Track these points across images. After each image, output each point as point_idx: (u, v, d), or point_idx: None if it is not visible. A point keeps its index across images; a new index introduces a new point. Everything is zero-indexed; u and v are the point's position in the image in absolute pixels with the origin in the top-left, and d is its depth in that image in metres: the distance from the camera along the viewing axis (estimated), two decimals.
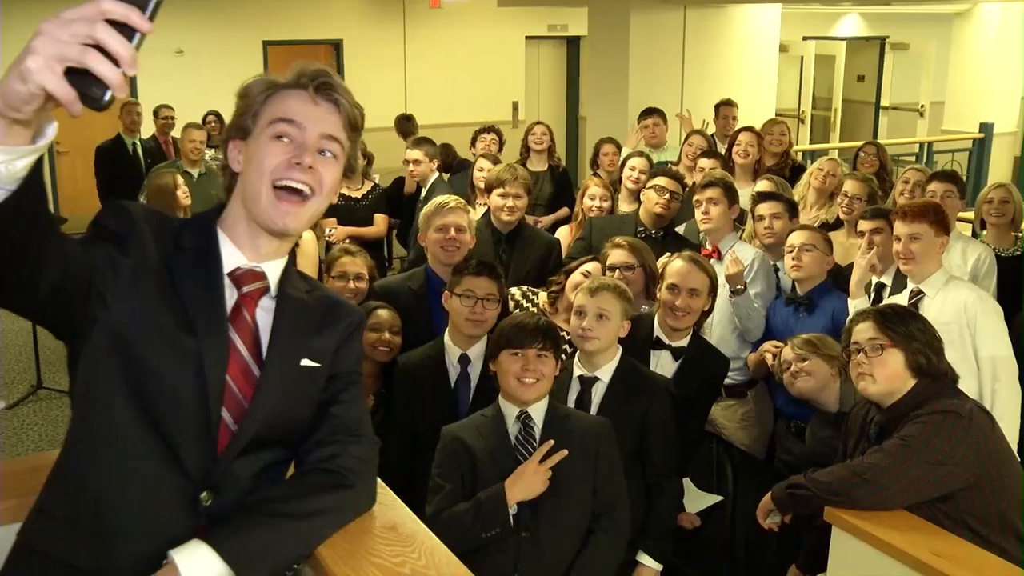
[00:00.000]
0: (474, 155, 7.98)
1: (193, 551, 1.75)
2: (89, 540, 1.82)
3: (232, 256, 1.96)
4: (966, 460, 3.12)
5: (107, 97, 1.34)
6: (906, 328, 3.37)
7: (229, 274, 1.94)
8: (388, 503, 2.03)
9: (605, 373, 3.81)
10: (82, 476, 1.85)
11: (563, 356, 3.54)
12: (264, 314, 1.96)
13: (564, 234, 6.50)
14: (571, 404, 3.76)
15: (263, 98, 1.98)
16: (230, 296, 1.93)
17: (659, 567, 3.70)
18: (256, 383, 1.90)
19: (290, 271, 2.05)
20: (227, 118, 2.16)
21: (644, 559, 3.68)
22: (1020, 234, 5.95)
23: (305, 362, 1.98)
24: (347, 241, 6.57)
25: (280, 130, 1.93)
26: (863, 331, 3.44)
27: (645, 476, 3.74)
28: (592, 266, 4.71)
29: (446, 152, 8.52)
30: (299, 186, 1.92)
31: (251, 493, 1.90)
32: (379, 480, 2.09)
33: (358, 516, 1.99)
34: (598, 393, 3.79)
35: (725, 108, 8.83)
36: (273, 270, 2.00)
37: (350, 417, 2.04)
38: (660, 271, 4.60)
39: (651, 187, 5.66)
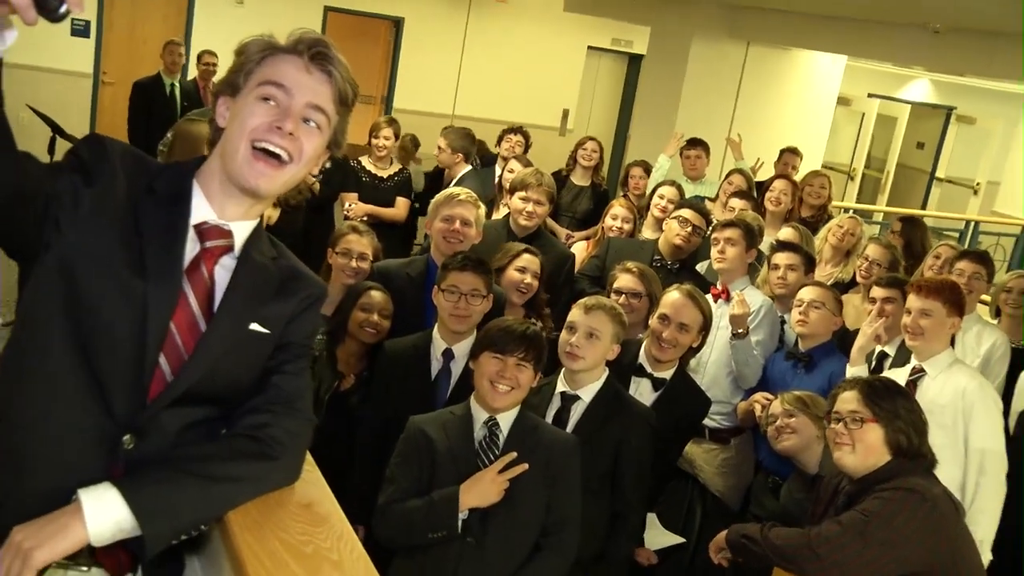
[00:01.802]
0: (499, 155, 8.01)
1: (101, 494, 1.73)
2: (2, 462, 1.84)
3: (202, 209, 1.96)
4: (924, 545, 3.09)
5: (63, 9, 1.38)
6: (892, 404, 3.34)
7: (195, 226, 1.95)
8: (311, 481, 2.02)
9: (587, 393, 3.81)
10: (6, 398, 1.86)
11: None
12: (223, 272, 1.96)
13: (580, 249, 6.54)
14: (549, 419, 3.75)
15: (259, 58, 1.98)
16: (192, 248, 1.93)
17: None
18: (201, 338, 1.90)
19: (259, 235, 2.05)
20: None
21: None
22: None
23: (254, 326, 1.98)
24: (364, 219, 6.59)
25: (268, 92, 1.94)
26: (847, 401, 3.41)
27: (612, 502, 3.74)
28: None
29: (479, 148, 8.52)
30: (277, 150, 1.93)
31: (177, 447, 1.90)
32: (308, 459, 2.08)
33: (277, 489, 1.97)
34: (577, 412, 3.79)
35: (788, 155, 8.83)
36: (241, 230, 2.00)
37: (290, 389, 2.03)
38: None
39: (675, 217, 5.66)
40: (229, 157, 1.95)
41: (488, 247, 4.73)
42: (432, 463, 3.26)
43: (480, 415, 3.33)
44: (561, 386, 3.85)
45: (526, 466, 3.20)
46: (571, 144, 8.75)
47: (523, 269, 4.70)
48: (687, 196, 6.78)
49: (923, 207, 16.36)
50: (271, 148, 1.93)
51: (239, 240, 1.99)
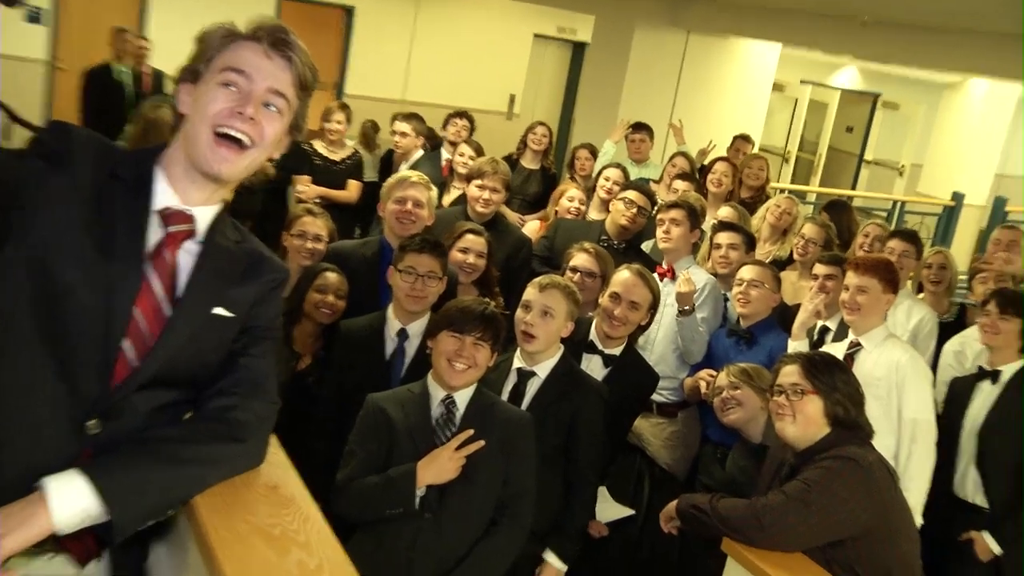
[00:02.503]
0: (444, 139, 7.95)
1: (68, 481, 1.68)
2: None
3: (165, 195, 1.93)
4: (860, 507, 3.13)
5: None
6: (830, 378, 3.37)
7: (158, 211, 1.91)
8: (276, 463, 1.99)
9: (543, 369, 3.79)
10: None
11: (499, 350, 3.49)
12: (187, 257, 1.93)
13: (532, 229, 6.52)
14: (505, 395, 3.74)
15: (220, 45, 1.96)
16: (156, 234, 1.90)
17: (564, 567, 3.69)
18: (166, 323, 1.87)
19: (223, 220, 2.02)
20: None
21: (550, 557, 3.67)
22: (954, 300, 5.99)
23: (218, 310, 1.94)
24: (317, 201, 6.51)
25: (229, 78, 1.92)
26: (788, 374, 3.43)
27: (566, 473, 3.73)
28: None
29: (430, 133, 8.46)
30: (239, 135, 1.90)
31: (145, 430, 1.86)
32: (273, 441, 2.05)
33: (244, 471, 1.94)
34: (533, 388, 3.78)
35: (740, 142, 8.86)
36: (204, 216, 1.96)
37: (256, 372, 2.00)
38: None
39: (621, 199, 5.63)
40: (191, 143, 1.92)
41: (441, 232, 4.68)
42: (390, 440, 3.22)
43: (437, 393, 3.29)
44: (518, 362, 3.83)
45: (482, 443, 3.18)
46: (518, 128, 8.70)
47: (466, 249, 4.66)
48: (632, 178, 6.75)
49: (853, 188, 16.50)
50: (233, 133, 1.90)
51: (202, 225, 1.96)
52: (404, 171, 4.83)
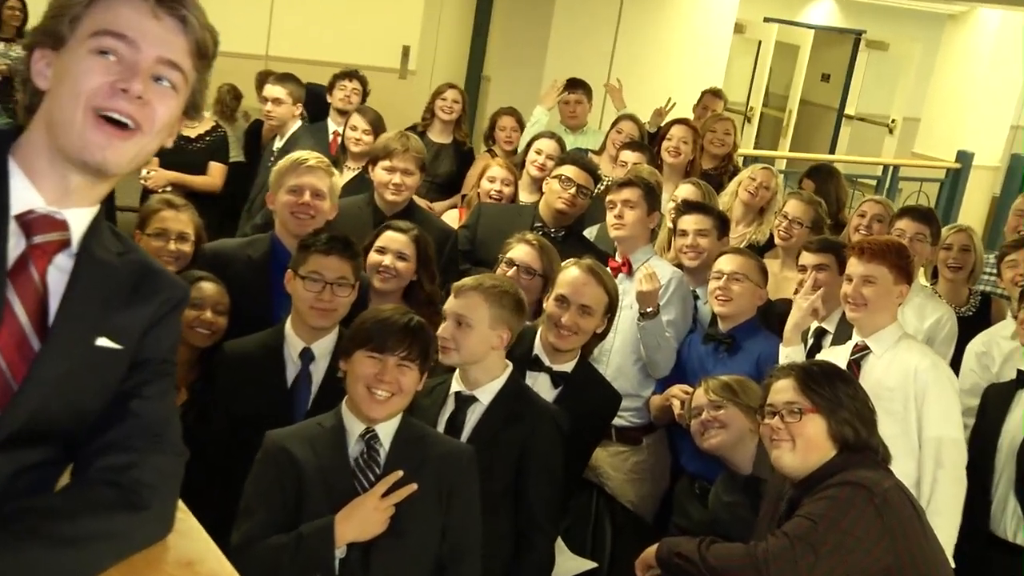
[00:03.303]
0: (331, 106, 7.98)
1: None
2: None
3: (24, 195, 1.84)
4: (880, 546, 3.19)
5: None
6: (832, 392, 3.43)
7: (17, 217, 1.82)
8: (186, 531, 1.94)
9: (486, 394, 3.84)
10: None
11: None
12: (58, 274, 1.85)
13: (452, 219, 6.55)
14: (442, 425, 3.79)
15: (87, 0, 1.86)
16: (15, 245, 1.81)
17: None
18: (33, 360, 1.79)
19: (100, 225, 1.94)
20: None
21: None
22: (975, 289, 6.06)
23: (102, 341, 1.87)
24: (169, 190, 6.47)
25: (106, 45, 1.83)
26: (782, 390, 3.49)
27: (516, 521, 3.78)
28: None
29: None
30: (122, 119, 1.83)
31: (6, 501, 1.77)
32: (180, 504, 2.00)
33: (147, 545, 1.87)
34: (474, 415, 3.82)
35: (710, 98, 9.05)
36: (78, 220, 1.88)
37: (154, 417, 1.94)
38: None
39: (556, 176, 5.70)
40: (61, 128, 1.82)
41: (350, 229, 4.65)
42: (298, 488, 3.23)
43: (355, 427, 3.31)
44: (456, 385, 3.88)
45: (414, 486, 3.21)
46: (414, 89, 8.73)
47: (382, 249, 4.69)
48: (567, 149, 6.82)
49: (832, 151, 16.69)
50: (114, 116, 1.82)
51: (76, 232, 1.88)
52: (297, 152, 4.81)
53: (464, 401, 3.84)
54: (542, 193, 5.92)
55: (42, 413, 1.80)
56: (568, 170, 5.68)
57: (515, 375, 3.94)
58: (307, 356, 3.97)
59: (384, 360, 3.28)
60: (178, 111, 1.95)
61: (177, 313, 2.06)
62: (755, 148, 15.41)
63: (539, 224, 5.62)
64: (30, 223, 1.83)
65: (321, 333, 3.99)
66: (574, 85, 8.25)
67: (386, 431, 3.32)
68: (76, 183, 1.87)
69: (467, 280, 3.98)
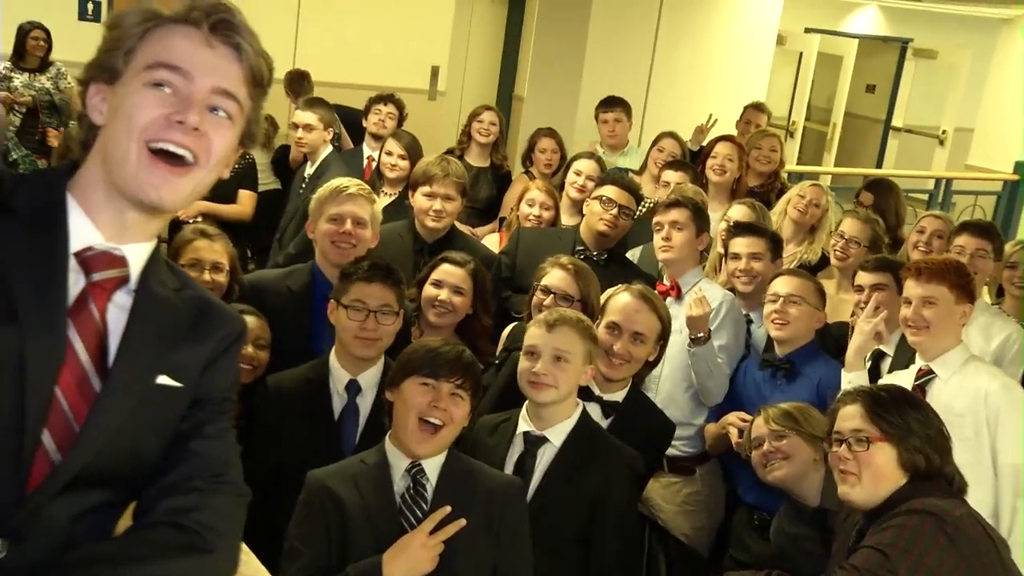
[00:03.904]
0: (367, 131, 8.03)
1: None
2: None
3: (83, 231, 1.88)
4: None
5: None
6: (902, 419, 3.39)
7: (76, 254, 1.85)
8: (251, 574, 1.99)
9: (558, 434, 3.82)
10: None
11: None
12: (118, 312, 1.89)
13: (493, 243, 6.59)
14: (510, 468, 3.78)
15: (141, 32, 1.91)
16: (74, 283, 1.84)
17: None
18: (95, 401, 1.82)
19: (158, 260, 1.98)
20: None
21: None
22: None
23: (163, 379, 1.91)
24: (200, 220, 6.52)
25: (160, 77, 1.87)
26: (849, 418, 3.46)
27: (588, 572, 3.76)
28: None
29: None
30: (179, 151, 1.86)
31: (67, 547, 1.80)
32: (242, 544, 2.04)
33: None
34: (545, 458, 3.80)
35: (753, 113, 9.01)
36: (136, 256, 1.92)
37: (215, 457, 1.98)
38: (602, 305, 4.61)
39: (596, 197, 5.70)
40: (117, 164, 1.86)
41: (391, 257, 4.67)
42: (343, 528, 3.24)
43: (400, 462, 3.33)
44: (524, 425, 3.86)
45: (463, 522, 3.22)
46: (443, 111, 8.76)
47: (438, 283, 4.69)
48: (607, 169, 6.84)
49: (879, 165, 16.70)
50: (171, 148, 1.85)
51: (135, 269, 1.92)
52: (337, 180, 4.85)
53: (534, 442, 3.82)
54: (582, 215, 5.94)
55: (104, 455, 1.83)
56: (609, 191, 5.67)
57: (587, 414, 3.94)
58: (353, 388, 4.00)
59: (438, 387, 3.31)
60: (235, 141, 1.98)
61: (236, 349, 2.09)
62: (798, 164, 15.37)
63: (581, 248, 5.62)
64: (89, 260, 1.86)
65: (367, 364, 4.03)
66: (611, 103, 8.26)
67: (432, 465, 3.34)
68: (133, 219, 1.91)
69: (555, 314, 3.97)
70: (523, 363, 3.86)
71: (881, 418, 3.39)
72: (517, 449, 3.84)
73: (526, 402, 3.90)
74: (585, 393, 4.32)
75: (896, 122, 17.59)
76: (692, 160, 7.58)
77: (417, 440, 3.29)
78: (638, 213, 5.95)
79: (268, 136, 8.52)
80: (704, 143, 8.03)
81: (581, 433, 3.85)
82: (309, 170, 7.28)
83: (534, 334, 3.90)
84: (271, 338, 4.35)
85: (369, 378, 4.02)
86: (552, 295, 4.68)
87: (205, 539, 1.88)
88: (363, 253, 4.54)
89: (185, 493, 1.91)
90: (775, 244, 5.50)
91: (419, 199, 5.49)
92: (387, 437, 3.39)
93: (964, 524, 3.18)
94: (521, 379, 3.85)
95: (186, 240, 4.68)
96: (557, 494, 3.62)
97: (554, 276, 4.73)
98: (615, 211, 5.61)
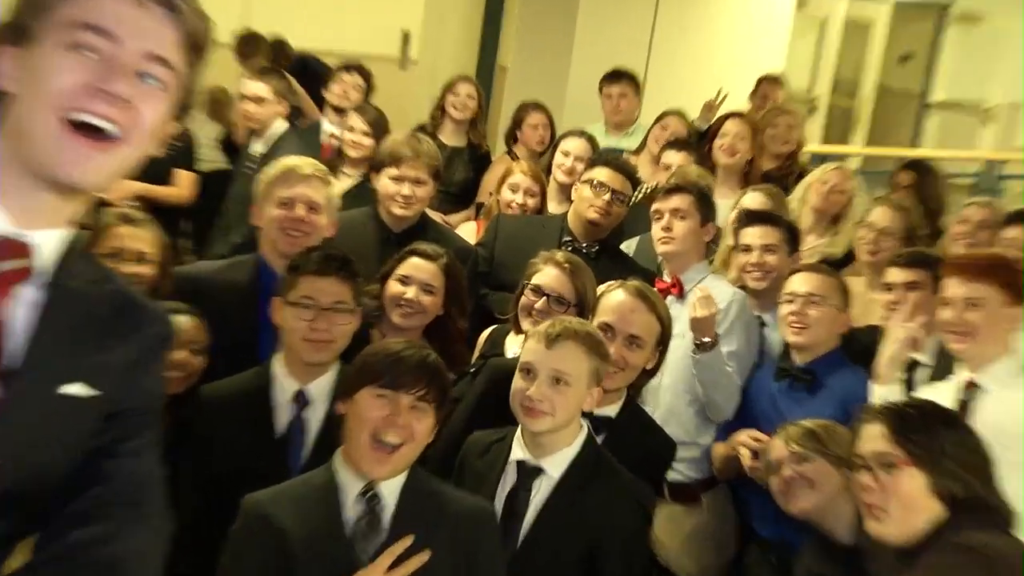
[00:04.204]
0: (328, 103, 8.04)
1: None
2: None
3: None
4: None
5: None
6: (933, 439, 3.30)
7: None
8: None
9: (556, 465, 3.69)
10: None
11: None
12: (24, 309, 1.86)
13: (469, 233, 6.53)
14: (500, 501, 3.68)
15: None
16: None
17: None
18: None
19: (75, 250, 1.96)
20: None
21: None
22: None
23: (74, 388, 1.88)
24: (131, 203, 6.46)
25: (82, 39, 1.84)
26: (871, 439, 3.38)
27: None
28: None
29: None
30: (103, 124, 1.83)
31: None
32: None
33: None
34: (541, 493, 3.67)
35: (768, 86, 9.04)
36: (48, 244, 1.91)
37: (134, 479, 1.96)
38: (592, 304, 4.53)
39: (586, 181, 5.68)
40: (28, 137, 1.84)
41: (351, 249, 4.57)
42: (285, 563, 3.17)
43: (352, 484, 3.26)
44: (519, 451, 3.73)
45: (427, 555, 3.17)
46: (416, 82, 8.72)
47: (406, 279, 4.67)
48: (616, 150, 6.85)
49: (915, 144, 16.66)
50: (93, 120, 1.82)
51: (46, 258, 1.90)
52: (288, 159, 4.80)
53: (528, 474, 3.69)
54: (570, 201, 5.93)
55: (1, 475, 1.79)
56: (600, 173, 5.65)
57: (592, 439, 3.81)
58: (301, 399, 3.93)
59: (396, 399, 3.23)
60: (168, 114, 1.95)
61: (162, 353, 2.08)
62: (823, 144, 15.36)
63: (568, 238, 5.62)
64: None
65: (317, 371, 3.97)
66: (617, 76, 8.25)
67: (390, 487, 3.26)
68: (45, 201, 1.88)
69: (558, 325, 3.76)
70: (517, 381, 3.71)
71: (908, 439, 3.30)
72: (510, 480, 3.72)
73: (520, 426, 3.76)
74: None
75: (935, 96, 17.51)
76: (700, 141, 7.58)
77: (371, 460, 3.21)
78: (635, 199, 5.93)
79: (218, 108, 8.48)
80: (713, 121, 8.02)
81: (584, 463, 3.71)
82: (259, 147, 7.26)
83: (531, 349, 3.73)
84: (209, 341, 4.30)
85: (320, 387, 3.96)
86: (545, 297, 4.61)
87: None
88: (317, 243, 4.50)
89: (97, 522, 1.88)
90: (792, 235, 5.46)
91: (385, 183, 5.46)
92: (337, 454, 3.33)
93: (1011, 562, 3.08)
94: (513, 400, 3.71)
95: (106, 226, 4.54)
96: (553, 535, 3.54)
97: (547, 275, 4.67)
98: (608, 196, 5.59)
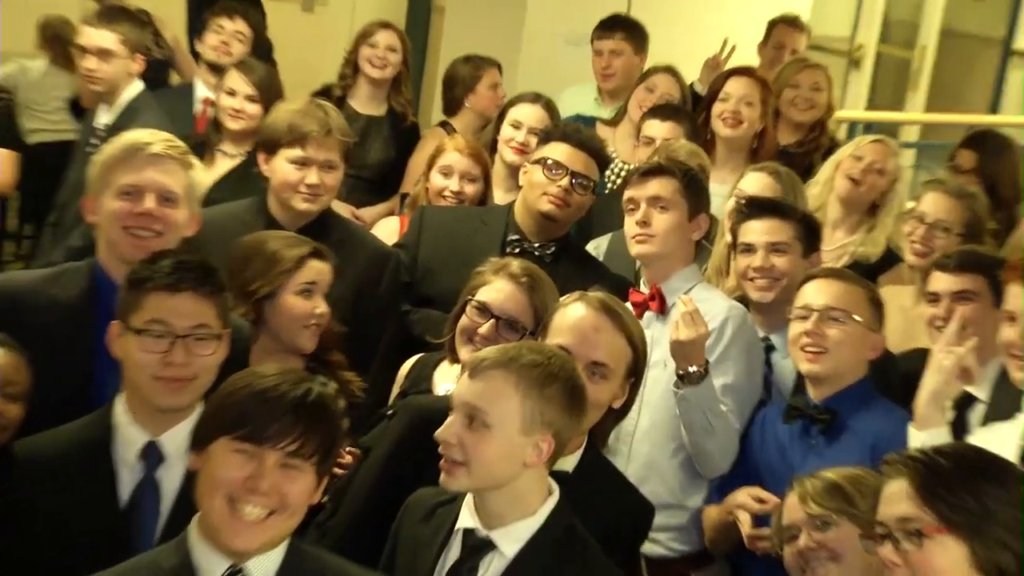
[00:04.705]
0: (202, 58, 8.03)
1: None
2: None
3: None
4: None
5: None
6: (975, 498, 3.25)
7: None
8: None
9: (511, 540, 3.66)
10: None
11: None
12: None
13: (388, 232, 6.48)
14: (442, 573, 3.69)
15: None
16: None
17: None
18: None
19: None
20: None
21: None
22: None
23: None
24: None
25: None
26: (894, 500, 3.36)
27: None
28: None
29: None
30: None
31: None
32: None
33: None
34: (490, 573, 3.67)
35: (784, 31, 9.09)
36: None
37: None
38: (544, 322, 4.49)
39: (537, 161, 5.68)
40: None
41: (229, 253, 4.68)
42: None
43: (212, 565, 3.26)
44: (467, 518, 3.72)
45: None
46: (325, 29, 8.70)
47: (308, 289, 4.70)
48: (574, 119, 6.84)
49: (993, 110, 16.69)
50: None
51: None
52: (135, 133, 4.74)
53: (476, 548, 3.67)
54: (519, 187, 5.91)
55: None
56: (556, 150, 5.66)
57: (564, 508, 3.75)
58: (152, 455, 3.90)
59: (261, 456, 3.21)
60: None
61: None
62: (869, 109, 15.34)
63: (515, 237, 5.65)
64: None
65: (173, 418, 3.91)
66: (609, 26, 8.25)
67: (263, 568, 3.28)
68: None
69: (490, 352, 3.75)
70: (447, 424, 3.67)
71: (940, 499, 3.24)
72: (453, 553, 3.72)
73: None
74: None
75: (1020, 43, 17.56)
76: (698, 109, 7.57)
77: (231, 531, 3.20)
78: (608, 184, 5.93)
79: (61, 49, 8.45)
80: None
81: (549, 541, 3.68)
82: (106, 118, 7.20)
83: (460, 384, 3.76)
84: (29, 382, 4.21)
85: (177, 439, 3.88)
86: (493, 319, 4.62)
87: None
88: (172, 245, 4.47)
89: None
90: (808, 230, 5.45)
91: (282, 167, 5.43)
92: (193, 526, 3.33)
93: None
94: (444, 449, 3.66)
95: None
96: None
97: (497, 290, 4.68)
98: (566, 181, 5.60)
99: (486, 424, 3.57)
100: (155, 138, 4.70)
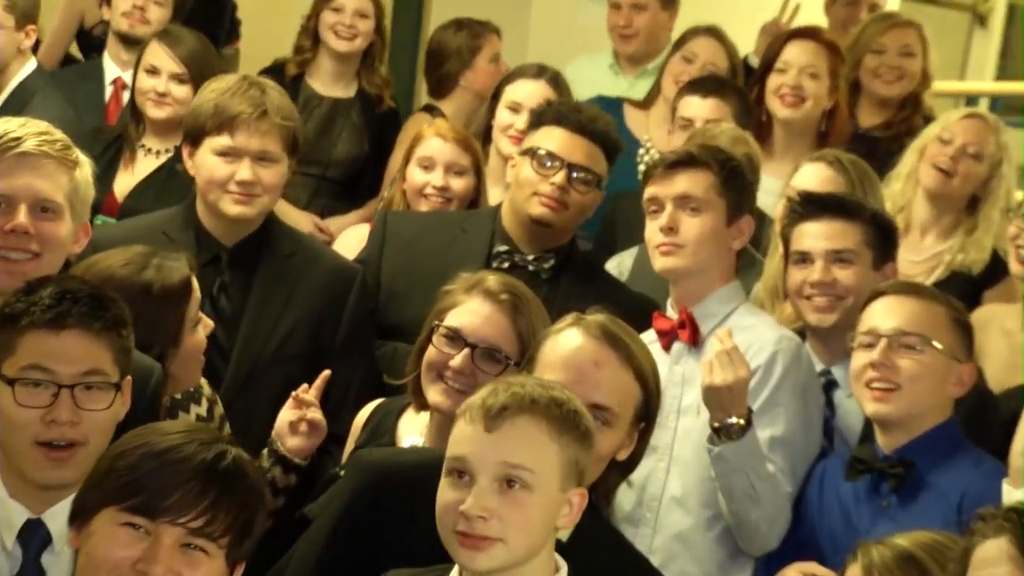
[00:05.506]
0: (111, 29, 7.97)
1: None
2: None
3: None
4: None
5: None
6: None
7: None
8: None
9: None
10: None
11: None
12: None
13: (355, 243, 6.54)
14: None
15: None
16: None
17: None
18: None
19: None
20: None
21: None
22: None
23: None
24: None
25: None
26: (989, 564, 3.38)
27: None
28: None
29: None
30: None
31: None
32: None
33: None
34: None
35: None
36: None
37: None
38: (531, 354, 4.40)
39: (526, 151, 5.70)
40: None
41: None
42: None
43: None
44: None
45: None
46: None
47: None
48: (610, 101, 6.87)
49: None
50: None
51: None
52: (6, 121, 4.74)
53: None
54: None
55: None
56: (549, 137, 5.68)
57: None
58: (35, 536, 3.88)
59: (155, 533, 3.22)
60: None
61: None
62: (1000, 79, 15.28)
63: (504, 248, 5.65)
64: None
65: (59, 493, 3.86)
66: None
67: None
68: None
69: (500, 392, 3.56)
70: (445, 493, 3.54)
71: None
72: None
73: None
74: None
75: None
76: (749, 83, 7.60)
77: None
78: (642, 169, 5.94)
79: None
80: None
81: None
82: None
83: (464, 436, 3.57)
84: None
85: (62, 517, 3.76)
86: (467, 348, 4.58)
87: None
88: (55, 269, 4.47)
89: None
90: (880, 234, 5.44)
91: (207, 161, 5.45)
92: None
93: None
94: (441, 523, 3.52)
95: None
96: None
97: (470, 312, 4.66)
98: (561, 176, 5.59)
99: (528, 486, 3.46)
100: (30, 131, 4.58)
